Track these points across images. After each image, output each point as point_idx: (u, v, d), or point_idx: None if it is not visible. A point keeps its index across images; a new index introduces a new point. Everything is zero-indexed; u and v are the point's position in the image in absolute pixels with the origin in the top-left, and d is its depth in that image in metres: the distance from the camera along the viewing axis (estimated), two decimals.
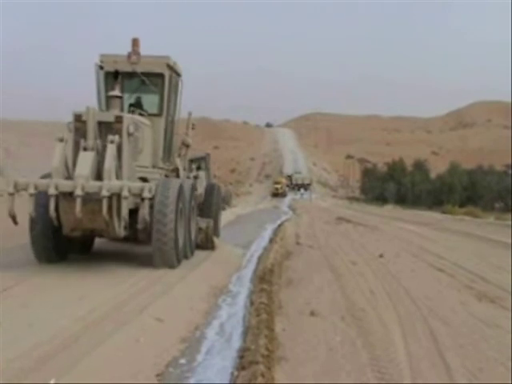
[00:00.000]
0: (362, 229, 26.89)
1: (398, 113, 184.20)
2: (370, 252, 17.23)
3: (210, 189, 17.69)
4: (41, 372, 6.15)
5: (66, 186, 10.98)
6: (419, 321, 8.97)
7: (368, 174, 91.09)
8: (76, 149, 11.46)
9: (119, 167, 11.64)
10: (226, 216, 21.34)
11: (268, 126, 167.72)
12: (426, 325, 8.72)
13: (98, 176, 11.25)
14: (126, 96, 13.67)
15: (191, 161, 17.36)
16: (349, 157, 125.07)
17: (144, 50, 14.12)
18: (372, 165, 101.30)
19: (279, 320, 8.73)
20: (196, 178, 16.58)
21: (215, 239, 16.43)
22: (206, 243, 15.62)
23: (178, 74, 15.05)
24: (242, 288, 11.82)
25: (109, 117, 11.87)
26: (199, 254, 14.78)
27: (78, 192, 10.76)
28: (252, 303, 10.11)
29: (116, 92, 12.63)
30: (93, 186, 10.96)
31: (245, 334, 8.25)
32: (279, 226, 28.30)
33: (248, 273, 13.70)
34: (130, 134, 11.87)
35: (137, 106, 14.06)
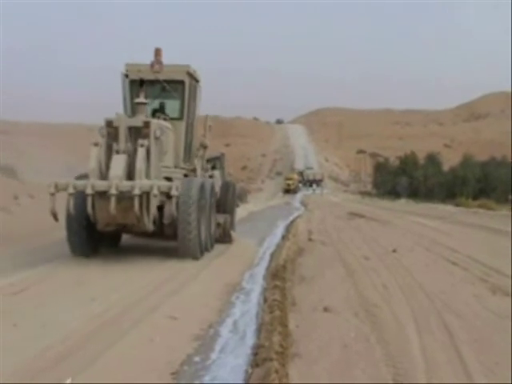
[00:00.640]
0: (374, 224, 26.82)
1: (410, 106, 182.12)
2: (383, 247, 17.18)
3: (225, 187, 18.49)
4: (56, 371, 6.19)
5: (101, 185, 12.20)
6: (433, 315, 8.93)
7: (380, 168, 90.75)
8: (108, 152, 12.76)
9: (148, 168, 12.84)
10: (237, 213, 21.32)
11: (278, 122, 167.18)
12: (441, 319, 8.68)
13: (129, 176, 12.47)
14: (149, 102, 14.57)
15: (207, 160, 18.10)
16: (360, 151, 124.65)
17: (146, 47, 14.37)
18: (384, 159, 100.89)
19: (293, 317, 8.72)
20: (211, 176, 17.27)
21: (232, 233, 17.62)
22: (224, 237, 16.77)
23: (197, 81, 16.09)
24: (255, 285, 11.81)
25: (138, 122, 13.15)
26: (217, 247, 15.84)
27: (113, 191, 11.97)
28: (265, 300, 10.10)
29: (142, 99, 13.87)
30: (126, 185, 12.20)
31: (258, 331, 8.24)
32: (291, 222, 28.28)
33: (261, 270, 13.70)
34: (156, 138, 13.08)
35: (160, 111, 15.07)
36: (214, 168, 18.57)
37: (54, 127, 65.96)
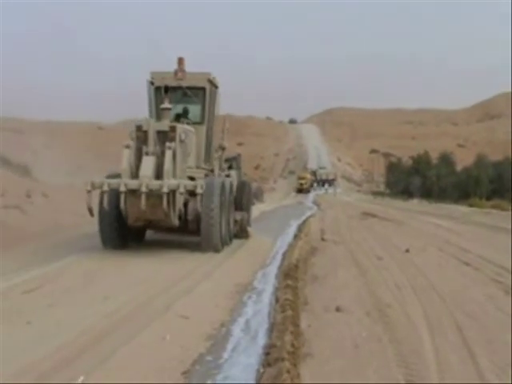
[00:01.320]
0: (387, 223, 26.74)
1: (423, 105, 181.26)
2: (395, 247, 17.14)
3: (241, 186, 19.42)
4: (69, 370, 6.22)
5: (133, 184, 13.30)
6: (446, 316, 8.90)
7: (392, 168, 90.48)
8: (138, 154, 13.84)
9: (174, 168, 13.92)
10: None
11: (291, 122, 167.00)
12: (453, 319, 8.65)
13: (157, 176, 13.55)
14: (172, 107, 15.51)
15: (225, 160, 18.96)
16: (373, 151, 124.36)
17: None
18: (396, 159, 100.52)
19: (305, 316, 8.72)
20: (228, 176, 18.05)
21: (249, 229, 18.86)
22: (241, 233, 18.06)
23: (216, 87, 17.22)
24: (267, 285, 11.82)
25: (164, 127, 14.29)
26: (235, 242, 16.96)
27: (143, 189, 13.08)
28: (277, 300, 10.11)
29: (166, 105, 14.97)
30: (155, 184, 13.29)
31: (270, 330, 8.25)
32: (304, 221, 28.26)
33: (273, 269, 13.72)
34: (181, 141, 14.23)
35: (183, 115, 16.26)
36: (230, 168, 19.30)
37: (65, 125, 66.22)
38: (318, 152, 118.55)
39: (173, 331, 7.83)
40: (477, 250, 16.55)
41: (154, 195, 13.24)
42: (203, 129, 16.62)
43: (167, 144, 13.83)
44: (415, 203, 57.42)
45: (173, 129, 14.22)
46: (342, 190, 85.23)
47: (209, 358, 7.09)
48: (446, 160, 79.04)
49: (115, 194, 13.43)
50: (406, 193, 71.80)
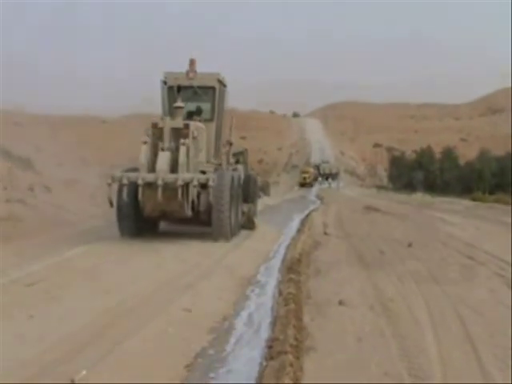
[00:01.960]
0: (390, 218, 26.70)
1: (426, 100, 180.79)
2: (398, 241, 17.10)
3: (247, 179, 20.14)
4: (72, 363, 6.22)
5: (150, 177, 14.33)
6: (449, 310, 8.90)
7: (396, 162, 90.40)
8: (154, 149, 14.85)
9: (187, 163, 14.86)
10: None
11: (295, 115, 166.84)
12: (456, 314, 8.64)
13: (172, 170, 14.57)
14: (184, 105, 16.52)
15: (232, 155, 19.61)
16: (376, 145, 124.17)
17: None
18: (400, 153, 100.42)
19: (308, 310, 8.71)
20: (235, 170, 18.76)
21: (255, 220, 19.75)
22: (248, 224, 18.97)
23: (225, 86, 18.22)
24: (270, 278, 11.82)
25: (179, 124, 15.37)
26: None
27: (160, 182, 14.10)
28: (280, 293, 10.10)
29: (179, 103, 16.07)
30: (170, 177, 14.33)
31: (273, 324, 8.25)
32: (307, 215, 28.21)
33: (276, 263, 13.72)
34: (194, 138, 15.30)
35: (194, 113, 17.23)
36: (237, 162, 20.03)
37: (66, 118, 66.16)
38: (321, 146, 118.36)
39: (175, 324, 7.83)
40: (480, 244, 16.53)
41: (169, 188, 14.19)
42: (213, 125, 17.60)
43: (181, 140, 14.80)
44: (418, 197, 57.31)
45: (186, 126, 15.20)
46: (345, 184, 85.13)
47: (211, 351, 7.10)
48: (449, 154, 79.01)
49: (133, 186, 14.40)
50: (409, 187, 71.72)
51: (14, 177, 21.53)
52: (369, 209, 32.20)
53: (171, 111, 16.65)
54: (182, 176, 14.51)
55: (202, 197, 15.25)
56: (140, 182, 14.36)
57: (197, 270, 11.79)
